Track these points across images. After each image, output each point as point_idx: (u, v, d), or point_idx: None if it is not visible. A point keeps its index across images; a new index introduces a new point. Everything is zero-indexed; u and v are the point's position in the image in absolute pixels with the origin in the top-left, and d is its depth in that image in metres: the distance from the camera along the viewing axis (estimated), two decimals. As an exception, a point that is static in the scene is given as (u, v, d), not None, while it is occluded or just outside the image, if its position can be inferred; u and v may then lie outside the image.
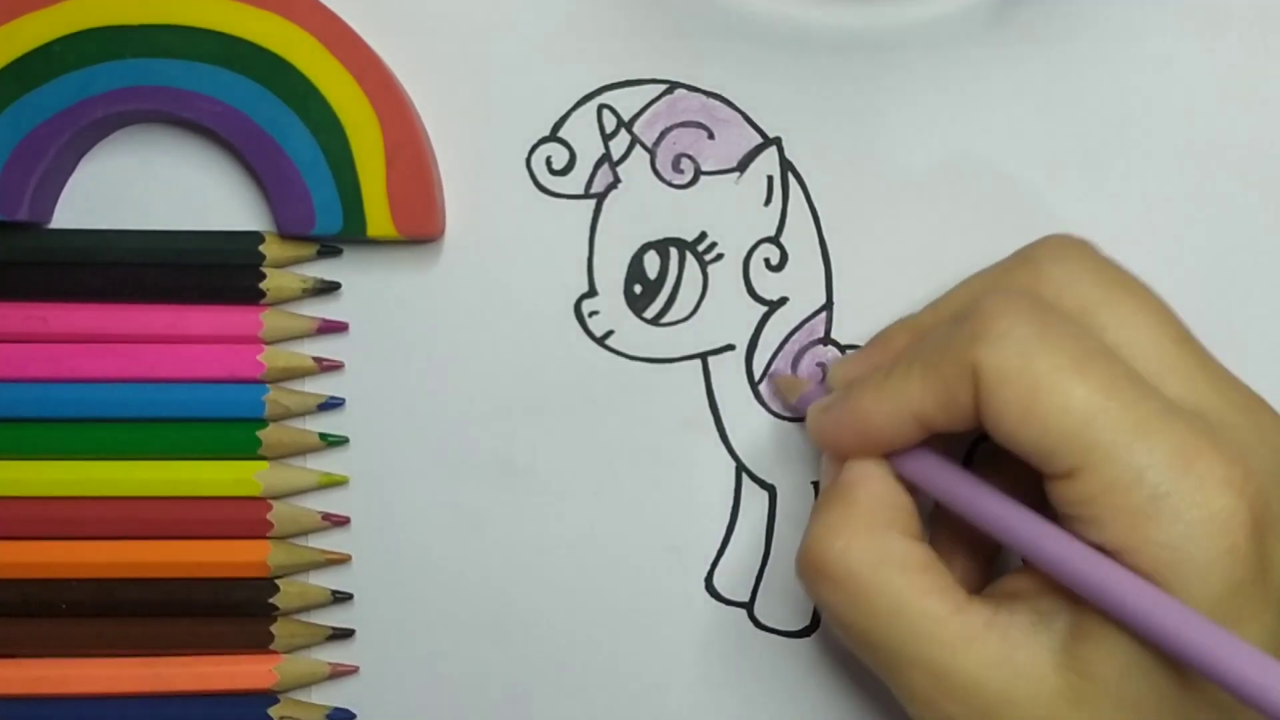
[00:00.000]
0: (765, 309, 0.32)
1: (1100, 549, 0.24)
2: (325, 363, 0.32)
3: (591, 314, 0.32)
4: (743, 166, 0.32)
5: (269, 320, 0.32)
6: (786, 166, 0.32)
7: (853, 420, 0.27)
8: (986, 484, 0.26)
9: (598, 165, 0.32)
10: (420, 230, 0.31)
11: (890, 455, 0.28)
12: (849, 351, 0.32)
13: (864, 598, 0.26)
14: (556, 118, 0.32)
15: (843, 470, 0.28)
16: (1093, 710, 0.24)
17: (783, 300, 0.32)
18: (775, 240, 0.32)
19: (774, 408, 0.32)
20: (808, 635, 0.33)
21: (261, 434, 0.31)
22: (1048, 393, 0.24)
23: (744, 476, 0.32)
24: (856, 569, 0.26)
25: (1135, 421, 0.24)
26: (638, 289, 0.32)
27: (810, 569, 0.27)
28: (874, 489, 0.27)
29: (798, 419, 0.32)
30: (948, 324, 0.26)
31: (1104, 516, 0.24)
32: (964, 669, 0.25)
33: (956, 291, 0.29)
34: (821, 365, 0.32)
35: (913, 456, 0.27)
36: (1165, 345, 0.26)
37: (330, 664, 0.32)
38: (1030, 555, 0.25)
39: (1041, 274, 0.27)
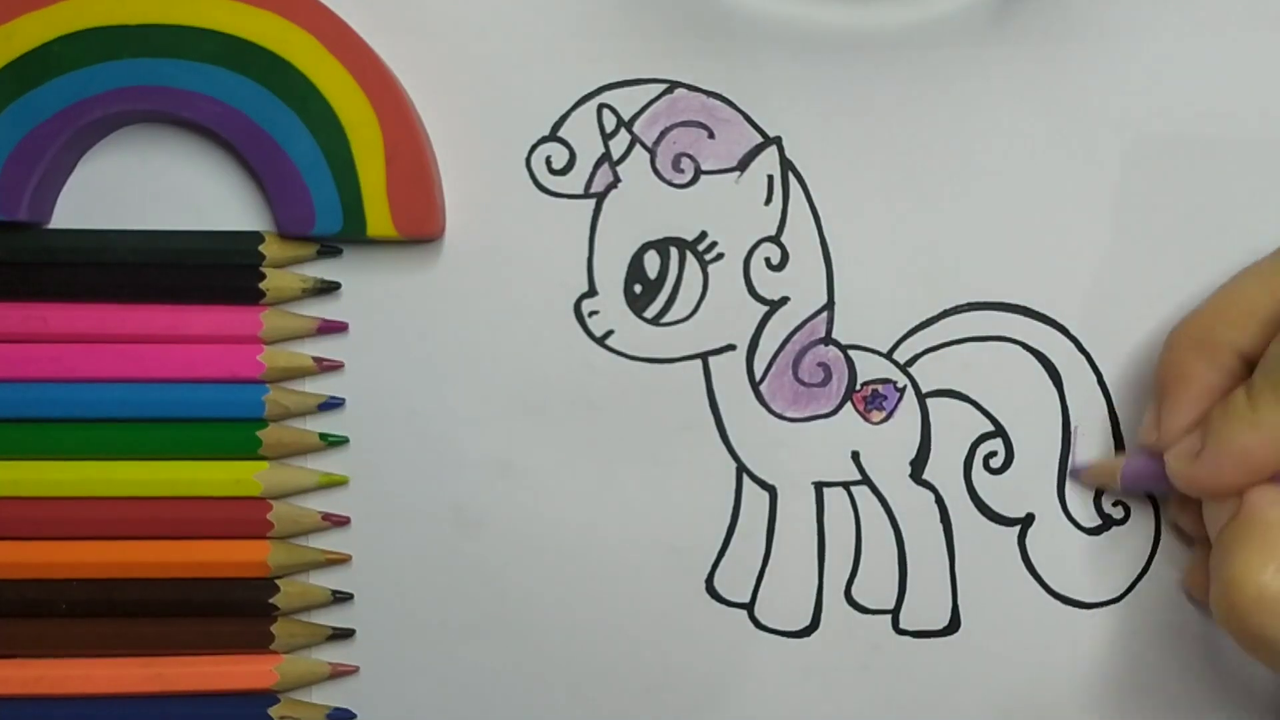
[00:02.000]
0: (766, 309, 0.32)
1: None
2: (325, 363, 0.32)
3: (591, 314, 0.32)
4: (743, 166, 0.32)
5: (269, 320, 0.32)
6: (787, 166, 0.32)
7: (1233, 459, 0.27)
8: None
9: (598, 165, 0.32)
10: (420, 230, 0.31)
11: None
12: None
13: None
14: (556, 117, 0.32)
15: (1242, 503, 0.27)
16: None
17: (783, 300, 0.32)
18: (776, 240, 0.32)
19: (776, 408, 0.32)
20: (808, 635, 0.33)
21: (261, 434, 0.31)
22: None
23: (744, 476, 0.32)
24: None
25: None
26: (638, 289, 0.32)
27: (1244, 602, 0.26)
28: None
29: (798, 419, 0.32)
30: None
31: None
32: None
33: (1246, 293, 0.29)
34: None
35: None
36: None
37: (330, 664, 0.32)
38: None
39: None
